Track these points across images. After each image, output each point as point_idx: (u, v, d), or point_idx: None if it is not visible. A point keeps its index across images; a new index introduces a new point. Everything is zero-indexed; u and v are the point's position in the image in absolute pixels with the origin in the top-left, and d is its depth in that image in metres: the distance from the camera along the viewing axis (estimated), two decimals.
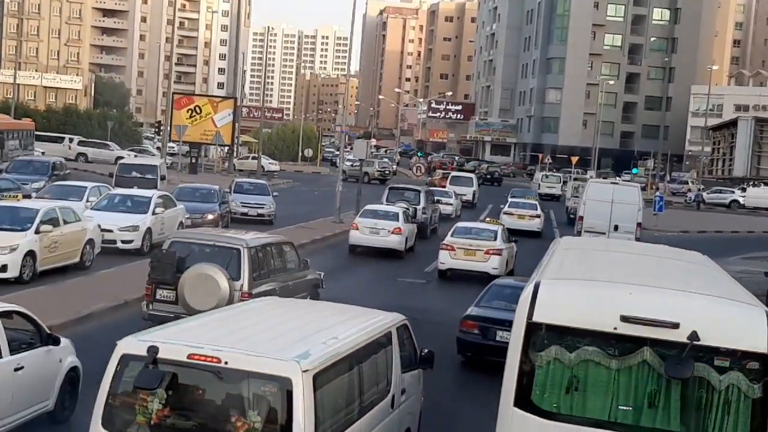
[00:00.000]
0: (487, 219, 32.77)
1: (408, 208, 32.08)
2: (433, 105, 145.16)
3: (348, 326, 8.47)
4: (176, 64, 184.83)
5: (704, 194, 71.82)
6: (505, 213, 38.87)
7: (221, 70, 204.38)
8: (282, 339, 7.60)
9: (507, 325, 10.53)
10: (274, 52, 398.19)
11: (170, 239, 15.82)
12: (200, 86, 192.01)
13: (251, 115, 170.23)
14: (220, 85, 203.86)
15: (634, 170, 69.78)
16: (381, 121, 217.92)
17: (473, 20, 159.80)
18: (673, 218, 49.49)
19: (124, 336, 7.41)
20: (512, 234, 29.29)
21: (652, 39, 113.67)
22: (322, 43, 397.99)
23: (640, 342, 7.18)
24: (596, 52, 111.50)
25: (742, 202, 70.35)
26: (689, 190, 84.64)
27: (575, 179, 56.97)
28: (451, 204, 42.54)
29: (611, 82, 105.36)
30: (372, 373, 8.27)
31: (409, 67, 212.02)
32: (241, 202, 34.32)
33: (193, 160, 60.26)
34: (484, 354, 14.88)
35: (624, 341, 7.21)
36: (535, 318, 7.39)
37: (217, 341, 7.21)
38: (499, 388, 7.67)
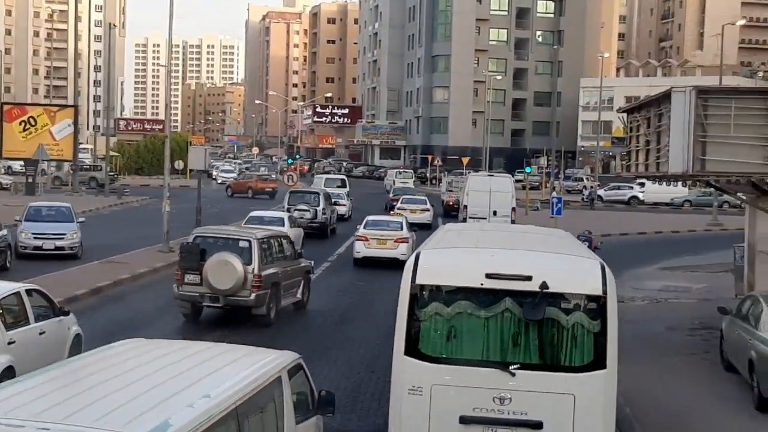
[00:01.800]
0: (392, 212, 37.72)
1: (308, 209, 36.25)
2: (318, 110, 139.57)
3: (225, 376, 6.96)
4: (46, 77, 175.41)
5: (602, 191, 67.74)
6: (399, 209, 41.55)
7: (97, 82, 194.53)
8: (135, 404, 5.94)
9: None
10: (157, 63, 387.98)
11: (194, 234, 19.62)
12: (73, 100, 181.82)
13: (129, 128, 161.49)
14: (97, 98, 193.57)
15: (527, 169, 65.19)
16: (269, 129, 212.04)
17: (356, 21, 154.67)
18: (572, 220, 44.35)
19: None
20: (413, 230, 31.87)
21: (538, 32, 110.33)
22: (208, 53, 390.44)
23: (502, 294, 8.91)
24: (482, 47, 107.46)
25: (641, 198, 66.62)
26: (584, 187, 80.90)
27: (449, 175, 64.44)
28: (344, 205, 45.23)
29: (499, 78, 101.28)
30: (258, 430, 7.06)
31: (296, 72, 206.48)
32: (33, 233, 27.34)
33: (30, 179, 52.86)
34: None
35: (489, 294, 8.94)
36: (418, 281, 9.05)
37: (40, 415, 5.59)
38: None
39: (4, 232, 25.19)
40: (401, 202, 44.12)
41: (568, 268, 9.25)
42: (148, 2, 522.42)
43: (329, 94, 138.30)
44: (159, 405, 5.97)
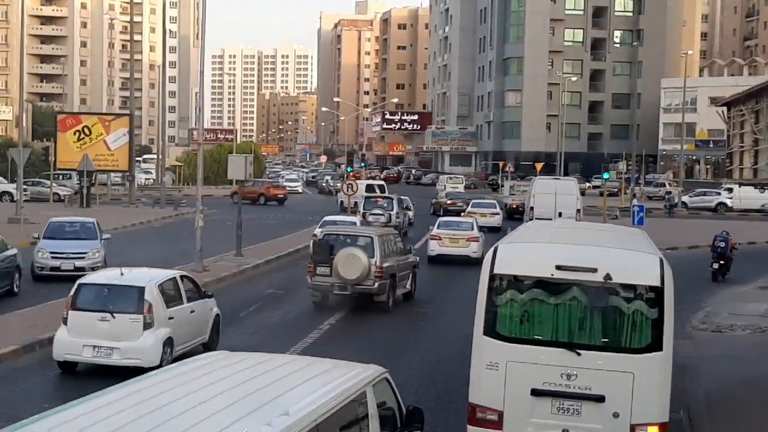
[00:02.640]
0: (462, 213, 40.21)
1: (383, 213, 38.44)
2: (387, 116, 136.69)
3: (306, 392, 6.78)
4: (120, 88, 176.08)
5: (687, 197, 63.10)
6: (469, 212, 42.80)
7: (172, 93, 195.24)
8: (210, 422, 5.84)
9: None
10: (234, 74, 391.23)
11: (324, 232, 23.79)
12: (147, 110, 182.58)
13: (203, 138, 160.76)
14: (171, 109, 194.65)
15: (605, 175, 60.81)
16: (341, 137, 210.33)
17: (427, 26, 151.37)
18: (653, 229, 40.31)
19: None
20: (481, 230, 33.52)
21: (616, 32, 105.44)
22: (283, 62, 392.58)
23: (570, 283, 9.92)
24: (556, 49, 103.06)
25: (729, 205, 61.84)
26: (667, 193, 76.18)
27: (511, 180, 68.99)
28: (411, 211, 46.30)
29: (574, 79, 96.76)
30: None
31: (367, 79, 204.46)
32: (51, 252, 24.34)
33: (85, 191, 50.79)
34: None
35: (559, 284, 9.95)
36: (495, 270, 10.12)
37: (122, 429, 5.63)
38: None
39: (12, 251, 22.43)
40: (471, 206, 45.73)
41: (629, 261, 10.10)
42: (225, 15, 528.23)
43: (395, 100, 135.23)
44: (234, 423, 5.85)
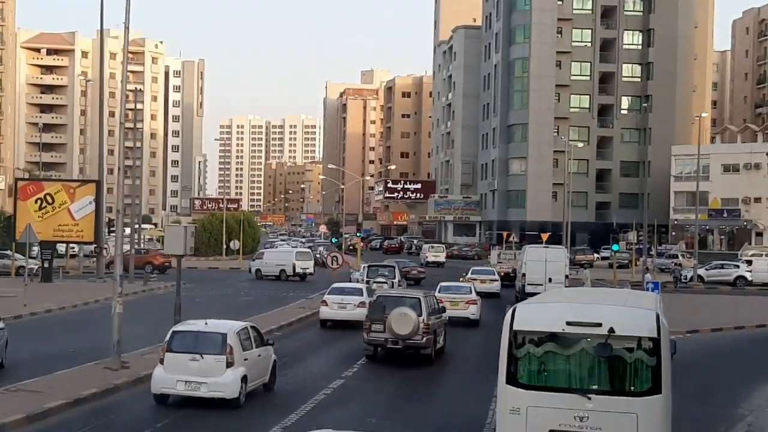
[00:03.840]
0: (460, 279, 43.10)
1: (385, 281, 40.26)
2: (390, 185, 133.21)
3: None
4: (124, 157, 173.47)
5: (702, 270, 58.59)
6: (469, 278, 44.51)
7: (174, 162, 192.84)
8: None
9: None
10: (242, 144, 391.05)
11: (377, 294, 27.38)
12: (148, 179, 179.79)
13: (205, 207, 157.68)
14: (174, 178, 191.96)
15: (615, 246, 56.60)
16: (346, 206, 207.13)
17: (431, 94, 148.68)
18: (671, 307, 35.93)
19: None
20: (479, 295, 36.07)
21: (624, 98, 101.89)
22: (291, 132, 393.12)
23: (579, 336, 11.46)
24: (562, 115, 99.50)
25: (749, 279, 57.32)
26: (679, 265, 71.77)
27: (497, 248, 73.08)
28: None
29: (580, 145, 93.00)
30: None
31: (372, 148, 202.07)
32: None
33: (46, 264, 46.66)
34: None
35: (569, 337, 11.52)
36: (515, 328, 11.80)
37: None
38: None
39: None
40: (471, 273, 47.71)
41: (630, 316, 11.80)
42: (231, 84, 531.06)
43: (393, 167, 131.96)
44: None
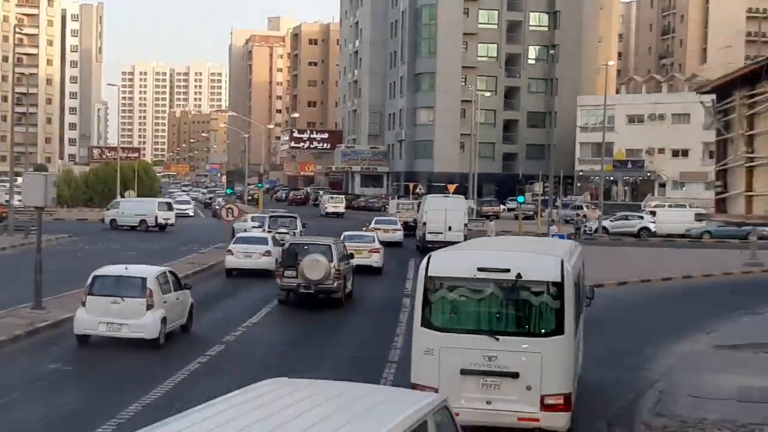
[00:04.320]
0: (364, 228, 43.15)
1: (288, 231, 40.36)
2: (296, 135, 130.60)
3: (373, 420, 6.79)
4: (16, 104, 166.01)
5: (607, 222, 58.32)
6: (373, 228, 44.94)
7: (73, 110, 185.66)
8: None
9: None
10: (145, 92, 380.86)
11: (288, 242, 28.40)
12: (44, 127, 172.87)
13: (104, 156, 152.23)
14: (72, 126, 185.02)
15: (520, 198, 55.66)
16: (253, 156, 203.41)
17: (339, 42, 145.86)
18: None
19: None
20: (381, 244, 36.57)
21: (531, 47, 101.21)
22: (196, 80, 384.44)
23: (489, 281, 12.16)
24: (470, 64, 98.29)
25: (653, 230, 57.28)
26: (584, 216, 71.67)
27: (396, 199, 70.39)
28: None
29: (487, 95, 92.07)
30: None
31: (279, 97, 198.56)
32: None
33: None
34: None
35: (480, 282, 12.21)
36: (430, 273, 12.39)
37: None
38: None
39: None
40: (375, 223, 48.26)
41: (536, 262, 12.46)
42: (134, 30, 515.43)
43: (296, 115, 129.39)
44: None
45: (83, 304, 19.01)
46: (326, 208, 77.05)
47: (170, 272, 20.67)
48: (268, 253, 32.08)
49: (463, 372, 12.02)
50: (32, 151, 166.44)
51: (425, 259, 12.59)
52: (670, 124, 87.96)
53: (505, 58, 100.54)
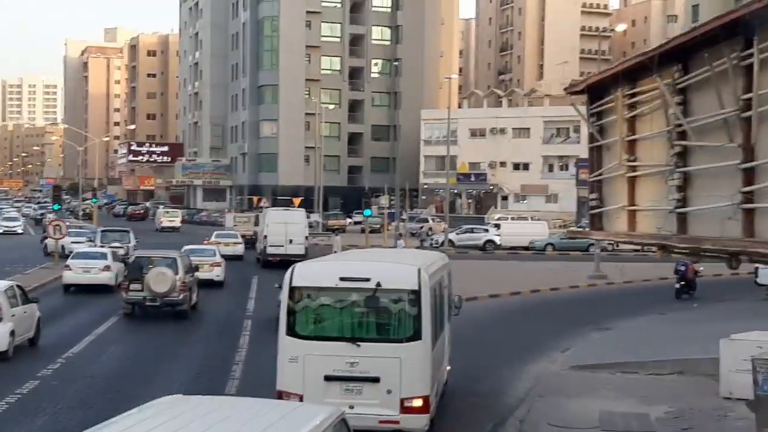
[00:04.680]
0: (204, 241, 43.63)
1: (121, 246, 39.58)
2: (134, 147, 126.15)
3: None
4: None
5: (453, 235, 58.23)
6: (214, 241, 44.66)
7: None
8: None
9: None
10: None
11: (134, 255, 28.63)
12: None
13: None
14: None
15: (366, 212, 54.64)
16: (89, 170, 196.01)
17: (178, 53, 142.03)
18: None
19: None
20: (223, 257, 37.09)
21: (374, 61, 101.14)
22: (30, 93, 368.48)
23: (351, 290, 12.80)
24: (313, 77, 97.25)
25: (498, 242, 57.55)
26: (430, 229, 71.71)
27: (231, 213, 73.40)
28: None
29: (331, 107, 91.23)
30: None
31: (117, 110, 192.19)
32: None
33: None
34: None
35: (342, 291, 12.82)
36: (293, 284, 12.88)
37: None
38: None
39: None
40: (215, 237, 47.95)
41: (395, 272, 13.12)
42: None
43: (133, 126, 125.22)
44: None
45: None
46: (161, 222, 75.20)
47: (18, 286, 21.41)
48: (107, 268, 31.77)
49: (327, 378, 12.53)
50: None
51: (290, 270, 13.06)
52: (510, 138, 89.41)
53: (348, 71, 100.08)
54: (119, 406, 11.53)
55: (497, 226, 61.14)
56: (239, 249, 47.14)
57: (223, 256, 37.01)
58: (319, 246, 59.86)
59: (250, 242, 50.61)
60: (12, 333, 19.46)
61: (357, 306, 12.78)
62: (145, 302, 25.30)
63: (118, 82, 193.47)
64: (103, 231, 43.62)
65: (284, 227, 43.20)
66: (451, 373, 16.64)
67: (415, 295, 12.58)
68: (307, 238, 44.57)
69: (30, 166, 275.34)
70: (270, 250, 42.71)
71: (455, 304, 17.28)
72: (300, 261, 40.62)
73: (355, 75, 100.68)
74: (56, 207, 41.62)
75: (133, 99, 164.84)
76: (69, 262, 32.28)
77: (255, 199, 79.91)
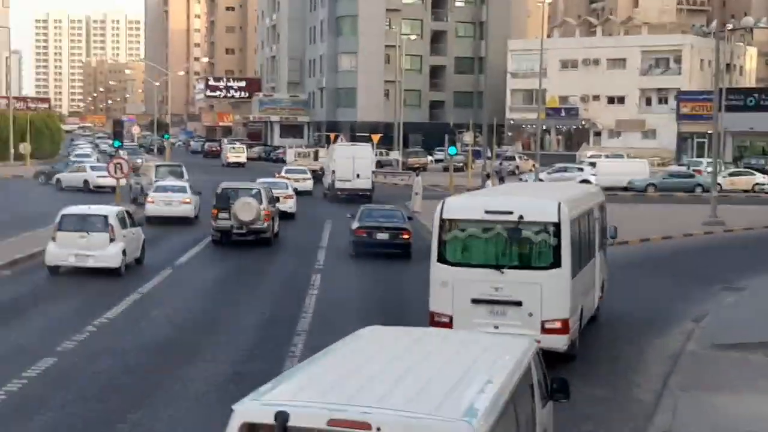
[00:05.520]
0: (277, 174, 45.45)
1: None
2: (211, 83, 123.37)
3: (493, 363, 7.01)
4: None
5: (544, 174, 53.57)
6: (284, 176, 44.91)
7: None
8: (432, 392, 6.16)
9: (381, 230, 25.72)
10: (60, 41, 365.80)
11: (222, 186, 28.91)
12: None
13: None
14: None
15: (451, 150, 50.32)
16: (173, 106, 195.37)
17: None
18: None
19: None
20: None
21: None
22: (113, 29, 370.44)
23: (495, 222, 13.92)
24: (394, 7, 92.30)
25: (593, 183, 52.69)
26: (517, 167, 67.25)
27: (295, 148, 71.07)
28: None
29: (413, 38, 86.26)
30: (521, 421, 7.05)
31: (197, 45, 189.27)
32: None
33: None
34: (370, 248, 25.66)
35: (488, 223, 13.97)
36: (444, 216, 14.14)
37: (359, 398, 5.93)
38: (376, 271, 23.44)
39: None
40: (284, 172, 48.63)
41: (536, 205, 14.33)
42: None
43: (205, 59, 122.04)
44: (453, 391, 6.14)
45: (53, 239, 21.76)
46: (227, 158, 75.85)
47: (126, 211, 23.69)
48: (187, 201, 33.29)
49: (474, 301, 13.88)
50: None
51: (440, 204, 14.33)
52: (605, 69, 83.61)
53: (431, 0, 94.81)
54: (221, 308, 18.17)
55: (592, 164, 56.26)
56: (308, 184, 48.25)
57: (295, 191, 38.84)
58: (398, 186, 56.00)
59: (316, 178, 51.56)
60: (123, 252, 21.89)
61: (501, 236, 13.87)
62: (233, 230, 27.40)
63: (198, 16, 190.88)
64: (157, 166, 43.89)
65: (351, 162, 44.38)
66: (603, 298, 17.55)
67: (555, 227, 13.64)
68: (374, 172, 45.90)
69: (111, 102, 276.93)
70: (338, 185, 44.35)
71: (610, 234, 18.49)
72: (367, 195, 43.09)
73: (437, 4, 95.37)
74: (116, 144, 37.88)
75: (212, 33, 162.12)
76: (152, 195, 33.70)
77: (332, 135, 76.12)
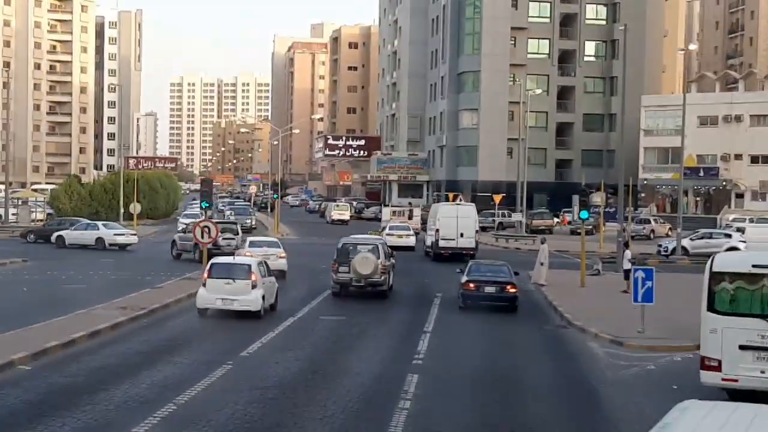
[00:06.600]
0: (369, 232, 49.28)
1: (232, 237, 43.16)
2: (330, 141, 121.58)
3: None
4: (48, 113, 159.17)
5: (686, 241, 48.03)
6: (388, 234, 49.43)
7: (111, 119, 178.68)
8: None
9: (489, 283, 27.35)
10: (193, 103, 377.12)
11: (342, 241, 31.10)
12: (78, 137, 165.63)
13: (140, 166, 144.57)
14: (111, 136, 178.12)
15: (583, 214, 45.79)
16: (293, 165, 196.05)
17: (379, 45, 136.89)
18: (672, 305, 25.01)
19: None
20: (393, 248, 37.96)
21: (587, 43, 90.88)
22: (243, 91, 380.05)
23: (762, 276, 15.19)
24: (519, 62, 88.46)
25: (743, 249, 46.89)
26: (652, 231, 61.68)
27: (392, 207, 76.83)
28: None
29: (538, 92, 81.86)
30: None
31: (321, 105, 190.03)
32: None
33: None
34: (478, 301, 27.11)
35: (755, 276, 15.22)
36: (714, 270, 15.50)
37: None
38: (485, 321, 25.74)
39: None
40: (388, 229, 52.20)
41: None
42: (181, 40, 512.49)
43: (321, 116, 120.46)
44: None
45: (204, 285, 24.96)
46: (332, 215, 78.83)
47: (264, 262, 26.77)
48: (283, 256, 35.37)
49: (741, 347, 15.16)
50: (65, 161, 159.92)
51: (710, 259, 16.00)
52: (747, 126, 77.20)
53: (558, 54, 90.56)
54: (346, 344, 21.69)
55: (740, 230, 50.35)
56: (411, 240, 50.95)
57: (395, 247, 41.15)
58: (521, 251, 51.46)
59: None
60: (263, 297, 24.90)
61: (767, 288, 15.11)
62: (351, 282, 29.14)
63: (322, 77, 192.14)
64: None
65: (455, 221, 44.58)
66: None
67: None
68: (477, 231, 46.19)
69: (236, 161, 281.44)
70: (442, 243, 44.54)
71: None
72: (471, 254, 42.82)
73: (565, 59, 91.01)
74: (204, 204, 33.56)
75: (334, 93, 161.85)
76: (248, 250, 34.86)
77: (451, 195, 72.17)
